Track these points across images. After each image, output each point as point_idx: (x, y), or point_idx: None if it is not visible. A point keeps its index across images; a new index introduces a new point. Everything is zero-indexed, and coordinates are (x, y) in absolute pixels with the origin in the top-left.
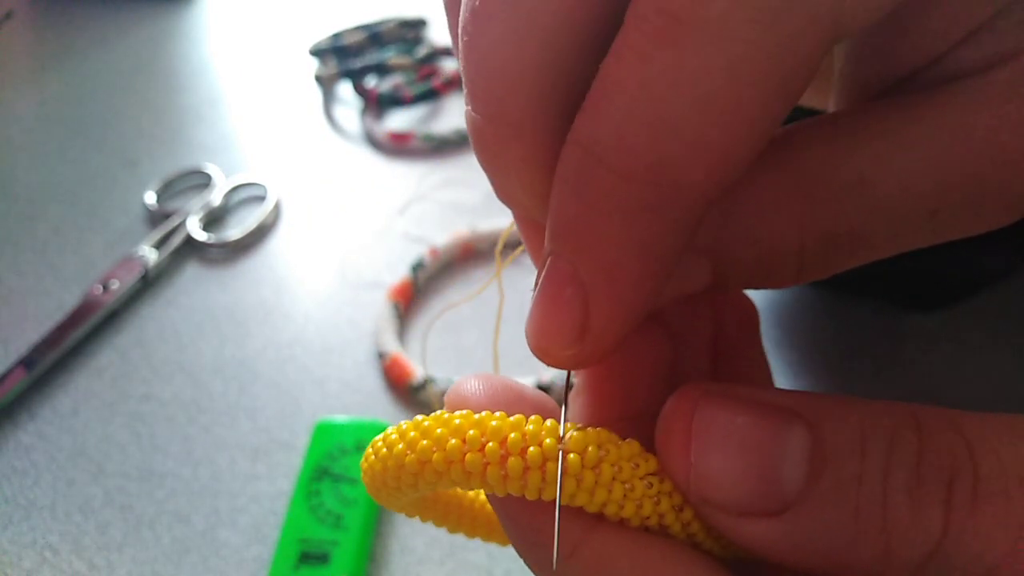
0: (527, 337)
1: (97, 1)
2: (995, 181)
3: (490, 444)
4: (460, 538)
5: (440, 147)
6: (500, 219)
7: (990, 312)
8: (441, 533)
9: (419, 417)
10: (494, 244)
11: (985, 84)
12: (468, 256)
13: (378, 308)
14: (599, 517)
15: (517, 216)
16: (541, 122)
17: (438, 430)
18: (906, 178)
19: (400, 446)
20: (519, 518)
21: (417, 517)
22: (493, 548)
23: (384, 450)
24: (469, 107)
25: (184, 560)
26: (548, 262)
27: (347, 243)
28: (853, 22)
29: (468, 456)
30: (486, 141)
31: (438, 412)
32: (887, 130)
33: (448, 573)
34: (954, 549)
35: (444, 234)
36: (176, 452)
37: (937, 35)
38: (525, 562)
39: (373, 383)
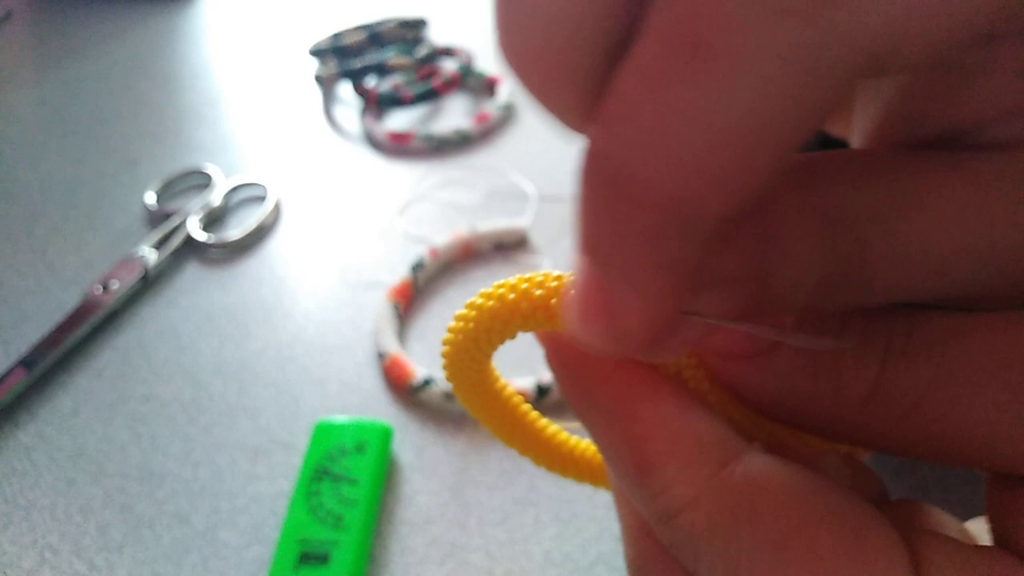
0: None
1: (97, 1)
2: (1013, 258)
3: None
4: (460, 538)
5: (440, 147)
6: (500, 219)
7: None
8: (441, 533)
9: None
10: (494, 244)
11: None
12: (468, 256)
13: (378, 308)
14: (661, 379)
15: None
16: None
17: (538, 278)
18: (923, 237)
19: (502, 290)
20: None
21: (484, 423)
22: (493, 548)
23: (487, 301)
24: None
25: (184, 560)
26: (582, 261)
27: (347, 243)
28: (887, 60)
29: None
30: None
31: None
32: (918, 187)
33: (448, 573)
34: (888, 387)
35: (444, 234)
36: (176, 452)
37: (987, 101)
38: (589, 428)
39: (373, 383)
